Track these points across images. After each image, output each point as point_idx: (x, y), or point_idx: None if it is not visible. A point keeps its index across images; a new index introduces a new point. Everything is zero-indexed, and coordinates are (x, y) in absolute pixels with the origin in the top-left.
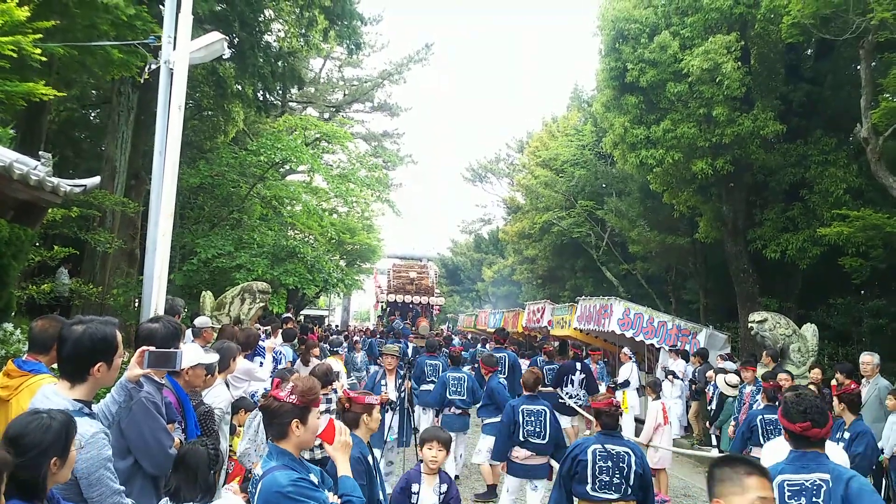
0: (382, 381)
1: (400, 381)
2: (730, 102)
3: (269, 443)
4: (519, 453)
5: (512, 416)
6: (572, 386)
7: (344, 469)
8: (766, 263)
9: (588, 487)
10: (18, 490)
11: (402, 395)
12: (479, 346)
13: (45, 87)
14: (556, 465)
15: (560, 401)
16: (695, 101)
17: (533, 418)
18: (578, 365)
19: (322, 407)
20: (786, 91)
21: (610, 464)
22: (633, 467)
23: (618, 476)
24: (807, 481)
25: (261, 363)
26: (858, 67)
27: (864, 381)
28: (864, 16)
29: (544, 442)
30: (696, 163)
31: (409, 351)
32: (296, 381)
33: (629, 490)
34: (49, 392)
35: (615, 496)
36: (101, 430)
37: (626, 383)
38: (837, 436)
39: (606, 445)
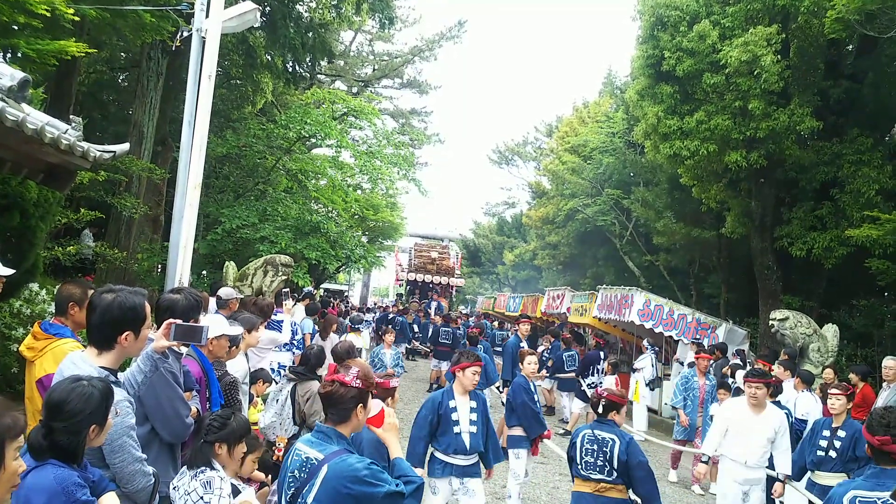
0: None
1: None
2: (766, 96)
3: (320, 425)
4: None
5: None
6: (597, 375)
7: (396, 451)
8: (790, 261)
9: (577, 468)
10: (58, 453)
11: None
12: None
13: (77, 45)
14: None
15: (581, 388)
16: (731, 94)
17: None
18: (602, 354)
19: None
20: (824, 87)
21: (595, 447)
22: (616, 453)
23: (601, 459)
24: (879, 499)
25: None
26: None
27: (884, 385)
28: None
29: None
30: (730, 154)
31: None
32: (358, 366)
33: (614, 473)
34: (76, 358)
35: (598, 477)
36: (126, 398)
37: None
38: (825, 433)
39: (595, 431)
